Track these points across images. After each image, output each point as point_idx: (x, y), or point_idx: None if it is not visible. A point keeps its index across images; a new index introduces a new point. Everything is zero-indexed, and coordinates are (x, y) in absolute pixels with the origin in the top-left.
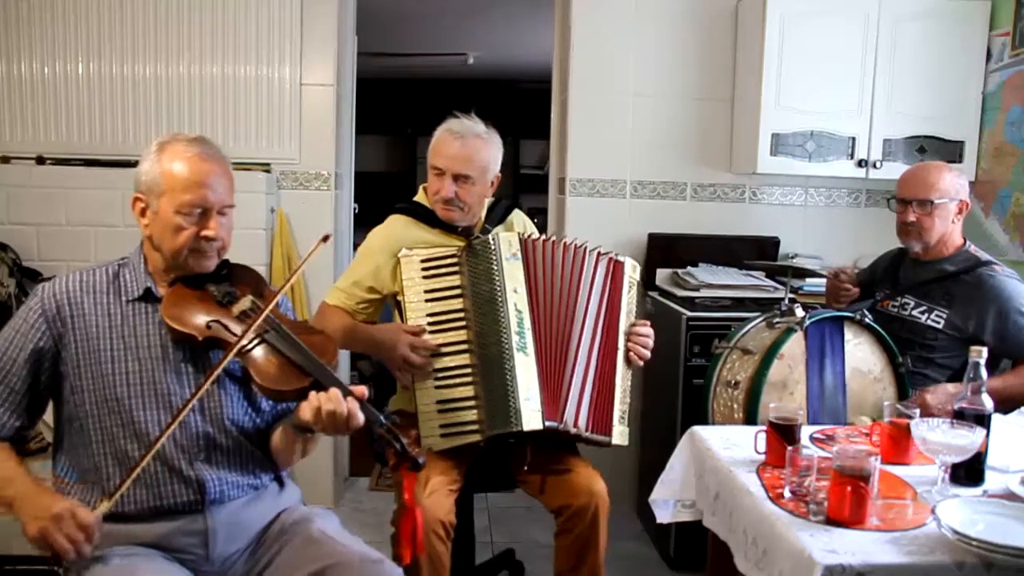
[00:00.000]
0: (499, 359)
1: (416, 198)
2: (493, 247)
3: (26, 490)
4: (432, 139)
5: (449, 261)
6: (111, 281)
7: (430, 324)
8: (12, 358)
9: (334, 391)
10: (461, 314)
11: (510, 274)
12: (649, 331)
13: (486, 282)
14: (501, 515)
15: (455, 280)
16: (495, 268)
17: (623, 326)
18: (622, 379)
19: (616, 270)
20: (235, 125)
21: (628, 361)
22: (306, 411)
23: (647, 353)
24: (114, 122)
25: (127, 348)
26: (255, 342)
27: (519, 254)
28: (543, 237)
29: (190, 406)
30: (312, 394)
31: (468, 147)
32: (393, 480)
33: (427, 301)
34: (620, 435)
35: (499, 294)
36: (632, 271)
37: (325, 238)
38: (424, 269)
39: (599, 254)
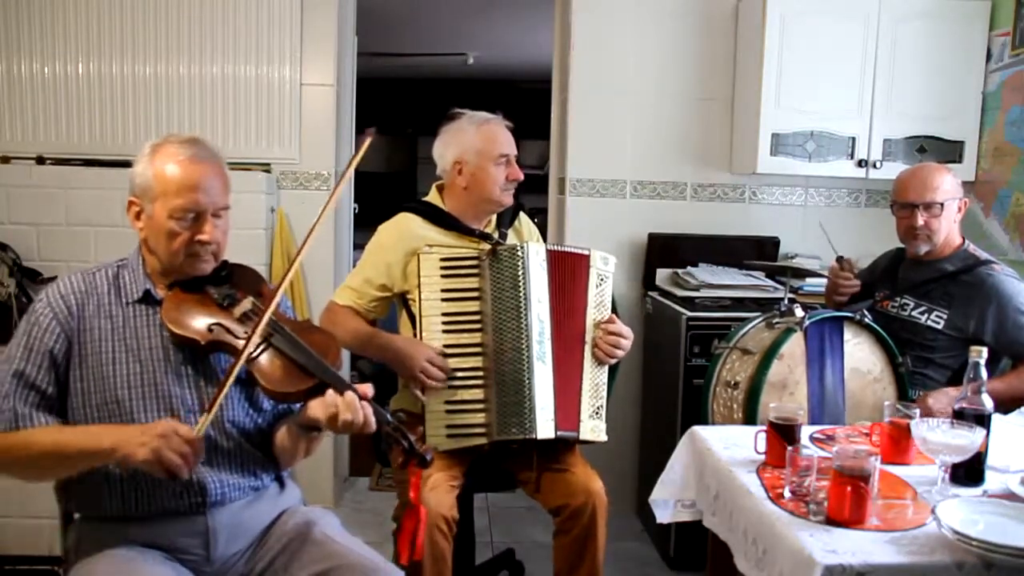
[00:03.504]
0: (518, 367)
1: (428, 198)
2: (521, 255)
3: (118, 430)
4: (470, 137)
5: (470, 263)
6: (111, 283)
7: (444, 324)
8: (37, 364)
9: (352, 398)
10: (477, 317)
11: (535, 283)
12: (622, 329)
13: (511, 289)
14: (501, 515)
15: (474, 282)
16: (521, 276)
17: (590, 318)
18: (591, 374)
19: (582, 263)
20: (235, 125)
21: (597, 359)
22: (318, 411)
23: (618, 352)
24: (114, 122)
25: (128, 350)
26: (261, 347)
27: (545, 264)
28: (567, 248)
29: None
30: (329, 397)
31: (508, 130)
32: (395, 478)
33: (443, 300)
34: (591, 430)
35: (523, 303)
36: (602, 264)
37: (369, 131)
38: (443, 268)
39: (564, 252)
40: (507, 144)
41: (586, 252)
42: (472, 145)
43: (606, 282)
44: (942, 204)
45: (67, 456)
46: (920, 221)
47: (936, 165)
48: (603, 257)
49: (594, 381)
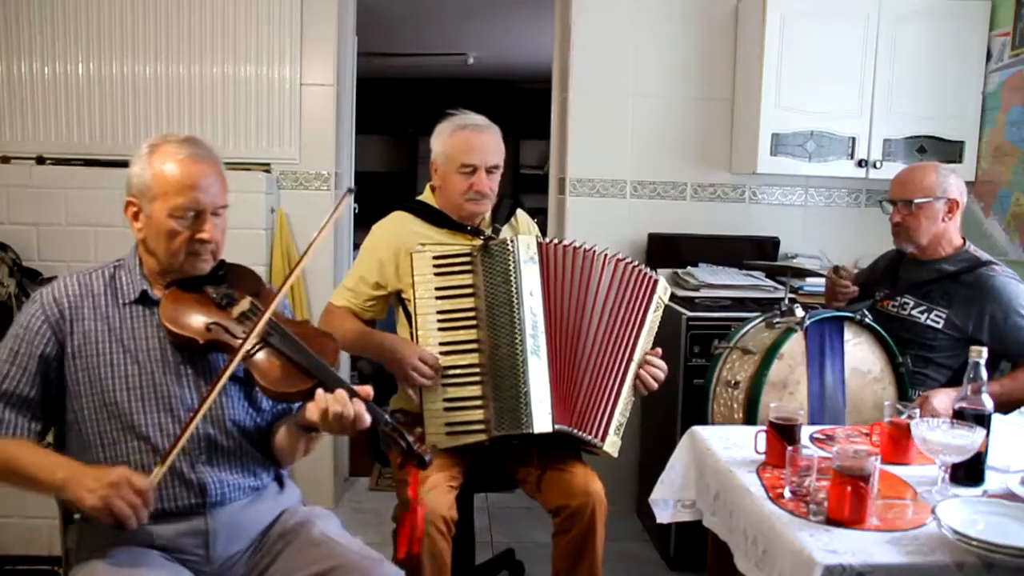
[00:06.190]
0: (512, 361)
1: (422, 197)
2: (511, 249)
3: (75, 468)
4: (443, 140)
5: (462, 260)
6: (107, 284)
7: (440, 321)
8: (22, 367)
9: (341, 393)
10: (472, 313)
11: (527, 277)
12: (663, 365)
13: (502, 284)
14: (501, 515)
15: (467, 279)
16: (512, 270)
17: (643, 342)
18: (627, 393)
19: (649, 286)
20: (235, 125)
21: (634, 384)
22: (312, 412)
23: (654, 385)
24: (114, 122)
25: (126, 351)
26: (258, 346)
27: (536, 257)
28: (559, 241)
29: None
30: (319, 395)
31: (493, 137)
32: (395, 478)
33: (438, 298)
34: (612, 444)
35: (515, 296)
36: (663, 292)
37: (350, 190)
38: (436, 266)
39: (635, 266)
40: (476, 154)
41: (656, 277)
42: (443, 149)
43: (659, 310)
44: (913, 202)
45: (18, 475)
46: (896, 218)
47: (928, 163)
48: (664, 286)
49: (626, 400)
